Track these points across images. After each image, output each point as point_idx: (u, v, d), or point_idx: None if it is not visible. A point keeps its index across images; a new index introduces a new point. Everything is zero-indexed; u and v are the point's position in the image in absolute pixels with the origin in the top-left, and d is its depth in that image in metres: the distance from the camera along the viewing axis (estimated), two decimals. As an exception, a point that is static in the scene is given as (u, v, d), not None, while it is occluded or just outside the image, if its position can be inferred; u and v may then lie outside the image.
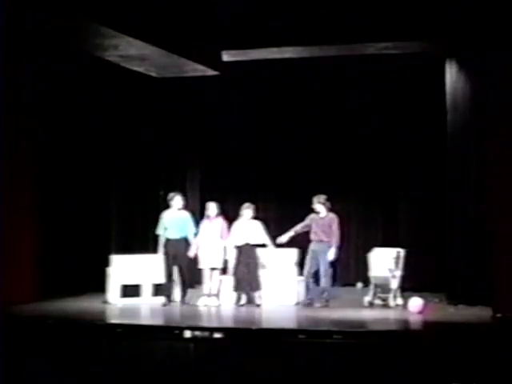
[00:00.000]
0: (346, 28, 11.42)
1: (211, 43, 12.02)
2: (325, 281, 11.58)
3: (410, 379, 8.27)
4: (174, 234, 12.06)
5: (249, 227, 12.00)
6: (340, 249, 11.89)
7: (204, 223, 12.18)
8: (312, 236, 11.74)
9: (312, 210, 11.88)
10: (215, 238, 12.06)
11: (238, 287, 11.90)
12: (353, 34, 11.50)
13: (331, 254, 11.59)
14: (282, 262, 12.19)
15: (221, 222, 12.14)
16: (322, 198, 11.81)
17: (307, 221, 11.84)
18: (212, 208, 12.16)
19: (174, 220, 12.12)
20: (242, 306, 11.82)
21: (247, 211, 12.04)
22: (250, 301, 11.91)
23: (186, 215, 12.22)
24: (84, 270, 13.10)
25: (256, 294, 11.86)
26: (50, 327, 9.63)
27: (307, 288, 11.70)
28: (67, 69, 12.93)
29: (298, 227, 11.88)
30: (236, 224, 12.07)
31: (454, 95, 12.01)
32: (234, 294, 11.96)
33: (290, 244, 12.02)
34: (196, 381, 8.67)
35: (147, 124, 14.62)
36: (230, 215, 12.55)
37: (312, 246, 11.72)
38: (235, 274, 11.92)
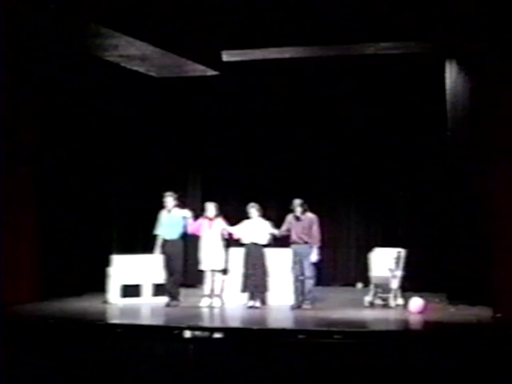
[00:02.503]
0: (346, 28, 11.40)
1: (211, 43, 12.02)
2: (310, 282, 11.54)
3: (409, 379, 8.27)
4: (170, 235, 12.03)
5: (257, 227, 11.97)
6: (321, 249, 11.77)
7: (203, 224, 12.15)
8: (293, 238, 11.62)
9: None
10: (215, 238, 12.04)
11: (245, 288, 11.86)
12: (353, 34, 11.49)
13: (314, 256, 11.54)
14: (282, 262, 12.16)
15: (220, 222, 12.13)
16: (298, 202, 11.66)
17: (286, 224, 11.72)
18: (211, 209, 12.13)
19: (169, 220, 12.08)
20: (256, 308, 11.63)
21: (252, 210, 12.01)
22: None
23: (180, 214, 12.18)
24: (84, 269, 13.13)
25: (261, 296, 11.80)
26: (50, 327, 9.64)
27: (296, 291, 11.63)
28: (67, 69, 12.94)
29: (283, 229, 11.73)
30: (245, 222, 12.04)
31: (454, 95, 12.02)
32: (245, 295, 11.88)
33: (288, 244, 11.95)
34: (196, 381, 8.67)
35: (148, 124, 14.64)
36: (230, 215, 12.54)
37: (295, 249, 11.60)
38: (242, 274, 11.89)
